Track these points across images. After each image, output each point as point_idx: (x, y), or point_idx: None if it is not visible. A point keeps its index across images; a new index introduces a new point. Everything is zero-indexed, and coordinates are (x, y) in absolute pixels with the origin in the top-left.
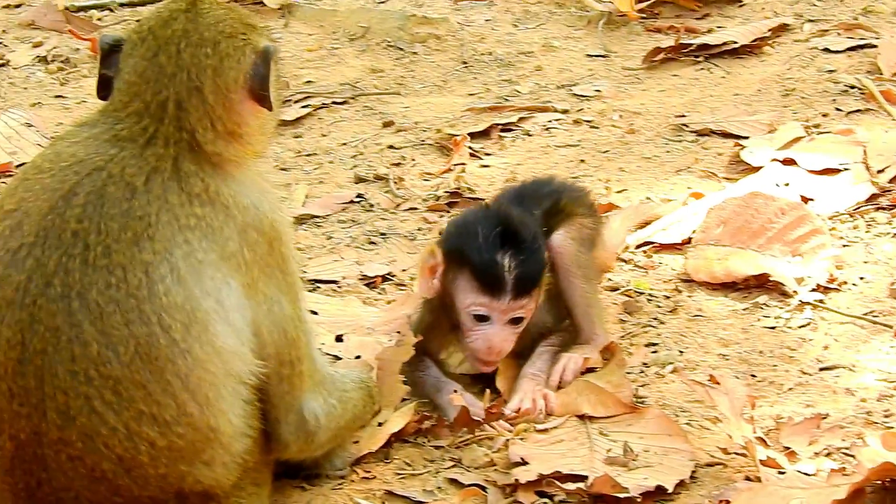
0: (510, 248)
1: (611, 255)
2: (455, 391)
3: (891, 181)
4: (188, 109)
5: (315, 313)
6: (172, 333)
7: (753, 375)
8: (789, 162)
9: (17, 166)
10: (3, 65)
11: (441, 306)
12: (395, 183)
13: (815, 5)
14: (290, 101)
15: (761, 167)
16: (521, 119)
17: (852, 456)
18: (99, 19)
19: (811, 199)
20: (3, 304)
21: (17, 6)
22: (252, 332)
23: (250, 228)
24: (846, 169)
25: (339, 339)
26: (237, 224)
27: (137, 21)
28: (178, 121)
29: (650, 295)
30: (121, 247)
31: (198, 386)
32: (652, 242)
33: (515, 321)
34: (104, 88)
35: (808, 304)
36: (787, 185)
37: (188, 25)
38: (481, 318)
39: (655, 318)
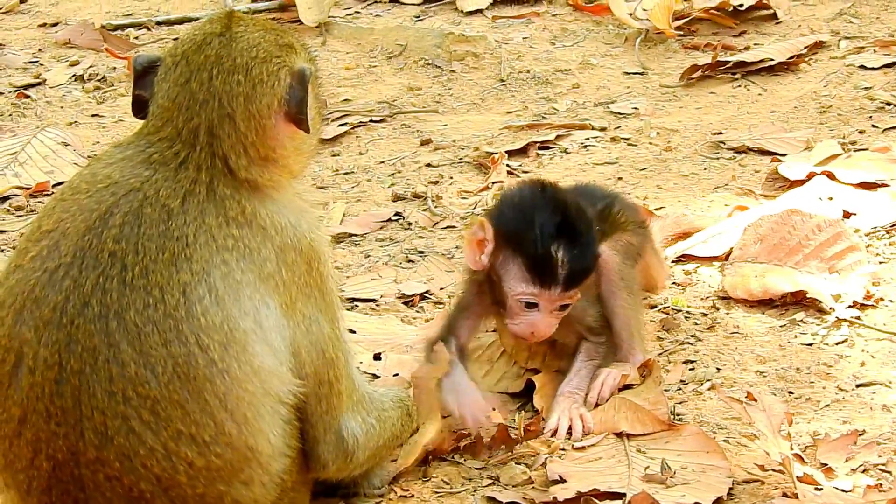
0: (565, 239)
1: (661, 275)
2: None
3: None
4: (220, 136)
5: (353, 332)
6: (210, 353)
7: (790, 392)
8: (829, 177)
9: (55, 186)
10: (39, 84)
11: (486, 281)
12: (433, 201)
13: (851, 22)
14: (327, 119)
15: (799, 182)
16: (558, 137)
17: (889, 472)
18: (136, 38)
19: (853, 214)
20: (40, 325)
21: (54, 25)
22: (290, 351)
23: (288, 248)
24: (884, 185)
25: (377, 357)
26: (275, 244)
27: (174, 40)
28: (210, 147)
29: (688, 312)
30: (158, 267)
31: (236, 405)
32: (692, 255)
33: (563, 308)
34: (139, 108)
35: (845, 320)
36: (830, 199)
37: (221, 51)
38: (529, 306)
39: (693, 336)
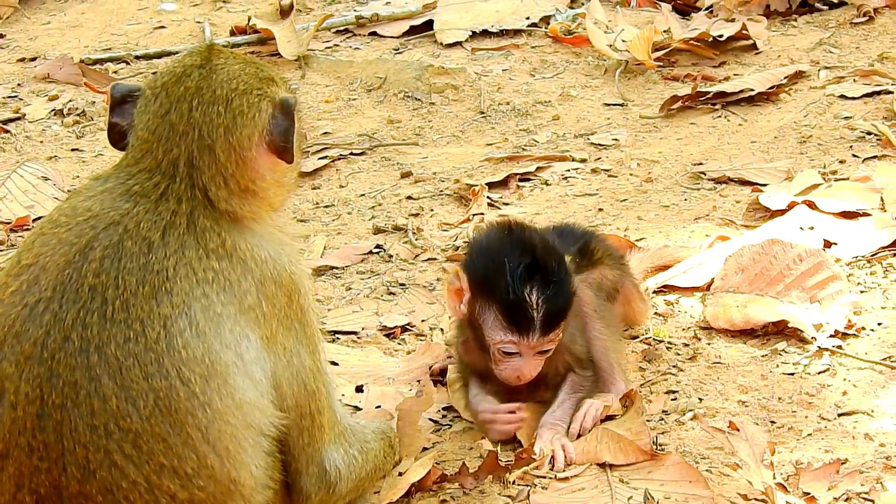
0: (537, 281)
1: (642, 309)
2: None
3: None
4: (200, 167)
5: (335, 364)
6: (192, 386)
7: (773, 422)
8: (810, 206)
9: (35, 220)
10: (19, 118)
11: (470, 327)
12: (414, 233)
13: (831, 52)
14: (307, 152)
15: (780, 212)
16: (538, 168)
17: (872, 501)
18: (115, 72)
19: (834, 244)
20: (21, 359)
21: (33, 59)
22: (272, 384)
23: (269, 281)
24: (865, 214)
25: (359, 389)
26: (255, 277)
27: (153, 73)
28: (190, 178)
29: (669, 342)
30: (139, 301)
31: (218, 438)
32: (673, 286)
33: (544, 353)
34: (116, 138)
35: (827, 349)
36: (811, 228)
37: (201, 82)
38: (510, 353)
39: (675, 366)
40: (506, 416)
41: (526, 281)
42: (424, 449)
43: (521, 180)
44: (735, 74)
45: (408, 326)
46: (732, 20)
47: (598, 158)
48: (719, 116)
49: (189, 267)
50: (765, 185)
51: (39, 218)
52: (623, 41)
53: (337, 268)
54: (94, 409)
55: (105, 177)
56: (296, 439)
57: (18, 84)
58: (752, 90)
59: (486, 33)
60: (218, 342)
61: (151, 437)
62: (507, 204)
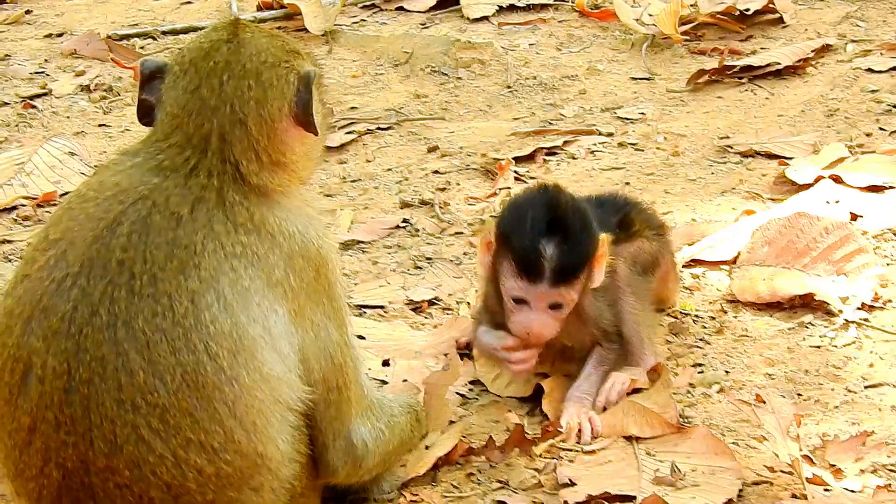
0: (555, 235)
1: (673, 290)
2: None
3: None
4: (232, 142)
5: (362, 338)
6: (219, 361)
7: (799, 394)
8: (836, 180)
9: (62, 195)
10: (45, 94)
11: (493, 281)
12: (441, 208)
13: (857, 26)
14: (334, 127)
15: (806, 186)
16: (565, 143)
17: None
18: (141, 47)
19: (861, 216)
20: (49, 334)
21: (60, 35)
22: (299, 358)
23: (296, 255)
24: (891, 188)
25: (386, 363)
26: (283, 251)
27: (180, 49)
28: (221, 153)
29: (696, 315)
30: (167, 275)
31: (245, 413)
32: (700, 259)
33: (555, 307)
34: (144, 114)
35: (853, 322)
36: (837, 202)
37: (230, 57)
38: (520, 302)
39: (702, 339)
40: (519, 354)
41: (543, 232)
42: (451, 422)
43: (547, 154)
44: (762, 48)
45: (434, 300)
46: None
47: (625, 132)
48: (746, 90)
49: (217, 241)
50: (791, 158)
51: (66, 193)
52: (650, 15)
53: (364, 242)
54: (122, 383)
55: (133, 152)
56: (323, 413)
57: (45, 60)
58: (778, 64)
59: (512, 8)
60: (245, 317)
61: (178, 412)
62: (533, 178)
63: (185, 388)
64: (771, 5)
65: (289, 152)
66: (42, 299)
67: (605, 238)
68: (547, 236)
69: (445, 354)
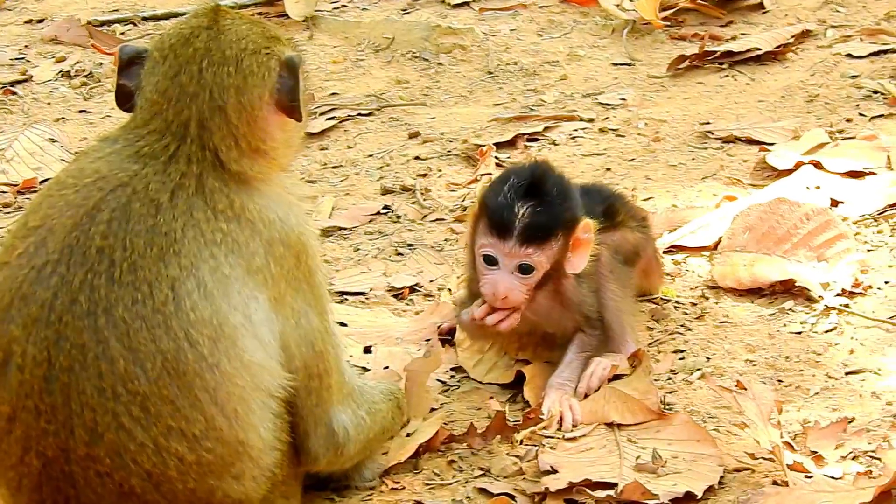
0: (529, 197)
1: (656, 280)
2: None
3: None
4: (211, 129)
5: (345, 325)
6: (200, 348)
7: (780, 381)
8: (816, 166)
9: (42, 182)
10: (26, 80)
11: (472, 250)
12: (422, 194)
13: (837, 11)
14: (315, 113)
15: (787, 171)
16: (546, 128)
17: (878, 459)
18: (122, 33)
19: (841, 202)
20: (28, 322)
21: (40, 21)
22: (280, 345)
23: (277, 242)
24: (871, 173)
25: (367, 350)
26: (263, 238)
27: (159, 35)
28: (200, 140)
29: (677, 302)
30: (147, 263)
31: (226, 400)
32: (681, 245)
33: (523, 270)
34: (123, 99)
35: (834, 308)
36: (818, 187)
37: (210, 43)
38: (490, 261)
39: (682, 325)
40: (497, 314)
41: (520, 194)
42: (432, 409)
43: (528, 140)
44: (742, 34)
45: (416, 287)
46: None
47: (606, 118)
48: (726, 76)
49: (197, 228)
50: (772, 144)
51: (47, 180)
52: (630, 1)
53: (345, 228)
54: (102, 371)
55: (113, 138)
56: (304, 401)
57: (26, 46)
58: (759, 49)
59: None
60: (226, 304)
61: (159, 400)
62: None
63: (165, 375)
64: None
65: (269, 139)
66: (22, 287)
67: (589, 223)
68: (523, 198)
69: (427, 341)
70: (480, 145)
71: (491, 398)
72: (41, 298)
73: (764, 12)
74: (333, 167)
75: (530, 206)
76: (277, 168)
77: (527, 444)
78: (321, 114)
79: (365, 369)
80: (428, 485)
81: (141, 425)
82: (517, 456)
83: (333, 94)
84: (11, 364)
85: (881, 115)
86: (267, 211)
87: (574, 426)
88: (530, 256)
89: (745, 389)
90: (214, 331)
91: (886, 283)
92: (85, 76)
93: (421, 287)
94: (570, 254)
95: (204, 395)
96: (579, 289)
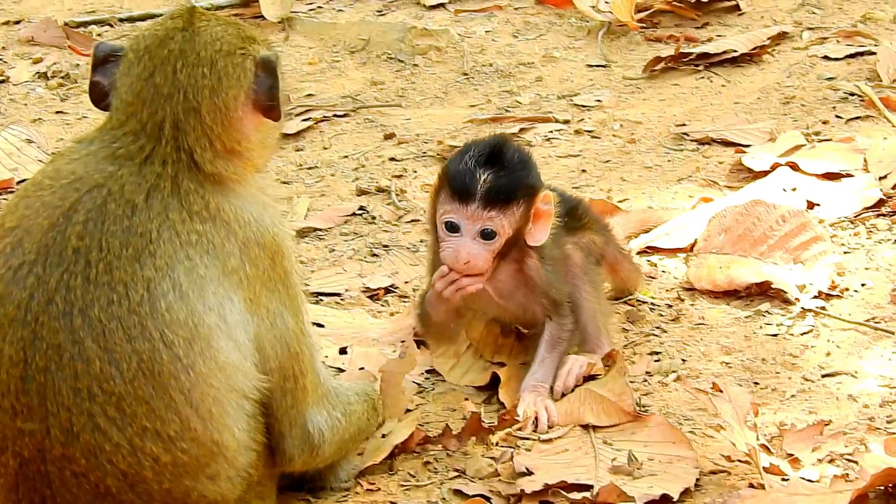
0: (489, 162)
1: (634, 275)
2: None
3: (893, 188)
4: (185, 130)
5: (321, 326)
6: (175, 349)
7: (756, 383)
8: (793, 168)
9: (19, 183)
10: (3, 81)
11: (433, 226)
12: (397, 195)
13: (814, 13)
14: (291, 114)
15: (763, 173)
16: (522, 130)
17: (855, 462)
18: (98, 34)
19: (817, 205)
20: (5, 322)
21: (17, 22)
22: (255, 346)
23: (252, 243)
24: (848, 176)
25: (343, 351)
26: (238, 239)
27: (135, 36)
28: (175, 141)
29: (653, 303)
30: (122, 263)
31: (201, 401)
32: (656, 247)
33: (486, 235)
34: (98, 97)
35: (810, 311)
36: (794, 189)
37: (184, 45)
38: (452, 228)
39: (658, 327)
40: (458, 280)
41: (481, 161)
42: (408, 411)
43: None
44: (718, 35)
45: (391, 288)
46: None
47: (581, 120)
48: (702, 78)
49: (172, 229)
50: (748, 146)
51: (23, 181)
52: (606, 2)
53: (320, 229)
54: (78, 371)
55: (89, 139)
56: (279, 402)
57: (2, 47)
58: (735, 51)
59: None
60: (201, 304)
61: (134, 400)
62: None
63: (141, 376)
64: None
65: (244, 140)
66: None
67: (549, 195)
68: (484, 165)
69: (402, 342)
70: (456, 146)
71: (466, 400)
72: (17, 298)
73: (740, 14)
74: (309, 168)
75: (492, 171)
76: (253, 169)
77: (502, 446)
78: (297, 115)
79: (340, 370)
80: (403, 486)
81: (116, 426)
82: (492, 458)
83: (309, 95)
84: None
85: (857, 118)
86: (242, 212)
87: (549, 427)
88: (493, 220)
89: (721, 392)
90: (190, 332)
91: (863, 285)
92: (62, 77)
93: (396, 288)
94: (531, 225)
95: (179, 395)
96: (542, 269)
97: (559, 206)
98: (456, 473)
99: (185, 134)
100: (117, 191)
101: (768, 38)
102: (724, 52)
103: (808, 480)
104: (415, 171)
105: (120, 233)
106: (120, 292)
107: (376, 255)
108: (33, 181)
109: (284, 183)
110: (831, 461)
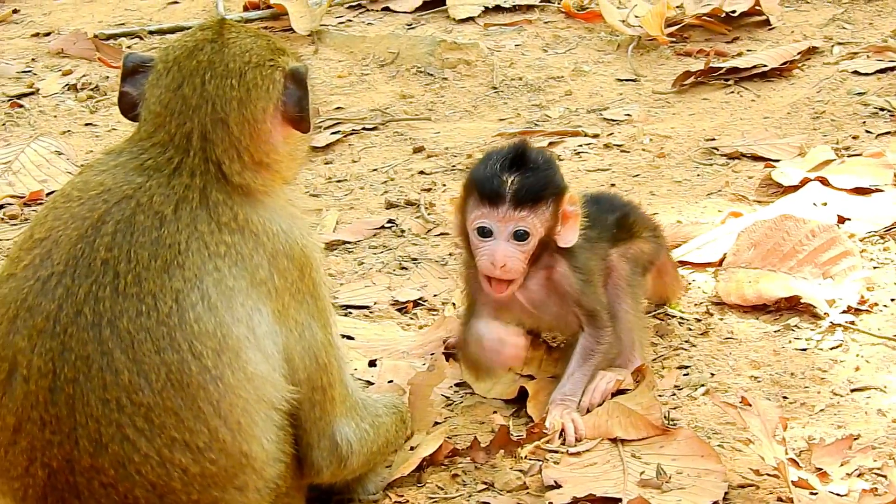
0: (515, 165)
1: (676, 285)
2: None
3: None
4: (214, 141)
5: (351, 338)
6: (204, 360)
7: (785, 397)
8: (823, 182)
9: (48, 194)
10: (32, 93)
11: (464, 236)
12: (426, 208)
13: (844, 28)
14: (320, 127)
15: (793, 188)
16: (551, 144)
17: (884, 476)
18: (128, 47)
19: (847, 219)
20: (34, 333)
21: (47, 35)
22: (283, 357)
23: (280, 255)
24: (878, 190)
25: (372, 363)
26: (267, 251)
27: (164, 47)
28: (203, 152)
29: (682, 317)
30: (151, 275)
31: (230, 412)
32: (686, 261)
33: (519, 236)
34: (127, 107)
35: (839, 325)
36: (824, 204)
37: (213, 56)
38: (485, 233)
39: (687, 341)
40: (514, 339)
41: (504, 164)
42: (436, 423)
43: None
44: (748, 50)
45: (420, 301)
46: None
47: (611, 134)
48: (732, 92)
49: (201, 241)
50: (777, 160)
51: (52, 192)
52: (636, 17)
53: (349, 242)
54: (107, 382)
55: (118, 151)
56: (307, 413)
57: (32, 59)
58: (764, 66)
59: (498, 8)
60: (230, 316)
61: (163, 411)
62: None
63: (169, 387)
64: (757, 7)
65: (272, 152)
66: (27, 298)
67: (574, 196)
68: (510, 168)
69: (431, 355)
70: None
71: (495, 412)
72: (46, 310)
73: (770, 29)
74: (338, 181)
75: (518, 173)
76: (281, 181)
77: (530, 459)
78: (326, 128)
79: (369, 383)
80: (432, 498)
81: (145, 436)
82: (521, 470)
83: (338, 108)
84: (17, 375)
85: (888, 133)
86: (271, 223)
87: (577, 441)
88: (525, 220)
89: (750, 405)
90: (218, 343)
91: (892, 300)
92: (91, 89)
93: (425, 301)
94: (559, 226)
95: (207, 406)
96: (573, 277)
97: (607, 216)
98: (484, 486)
99: (214, 145)
100: (146, 202)
101: (798, 53)
102: (754, 67)
103: (837, 495)
104: (444, 185)
105: (148, 244)
106: (149, 303)
107: (405, 268)
108: (62, 192)
109: (314, 196)
110: (860, 475)
